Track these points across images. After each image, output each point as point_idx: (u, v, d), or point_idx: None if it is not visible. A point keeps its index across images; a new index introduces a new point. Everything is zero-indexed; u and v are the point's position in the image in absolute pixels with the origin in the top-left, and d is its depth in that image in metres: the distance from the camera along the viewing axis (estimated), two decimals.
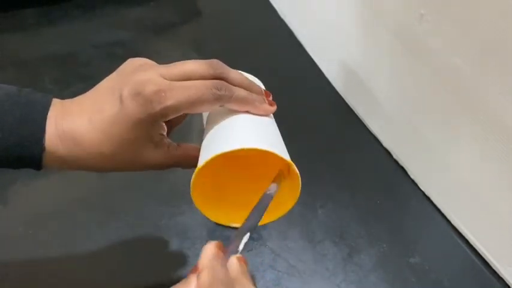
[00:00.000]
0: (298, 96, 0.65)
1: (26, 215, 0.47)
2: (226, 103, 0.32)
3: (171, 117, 0.31)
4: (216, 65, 0.32)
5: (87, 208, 0.48)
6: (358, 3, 0.56)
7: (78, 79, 0.63)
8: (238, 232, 0.28)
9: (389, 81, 0.54)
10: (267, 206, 0.30)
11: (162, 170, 0.34)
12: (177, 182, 0.50)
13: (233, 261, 0.27)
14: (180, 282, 0.25)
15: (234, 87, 0.32)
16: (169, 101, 0.29)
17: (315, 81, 0.67)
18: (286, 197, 0.33)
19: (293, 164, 0.30)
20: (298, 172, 0.30)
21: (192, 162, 0.33)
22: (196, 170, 0.30)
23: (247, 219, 0.29)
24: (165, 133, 0.33)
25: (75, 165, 0.32)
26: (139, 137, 0.31)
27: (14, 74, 0.64)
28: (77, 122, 0.31)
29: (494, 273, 0.45)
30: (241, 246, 0.28)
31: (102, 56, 0.67)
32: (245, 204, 0.32)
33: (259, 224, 0.31)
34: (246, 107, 0.33)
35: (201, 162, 0.30)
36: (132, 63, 0.32)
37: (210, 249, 0.26)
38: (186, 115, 0.35)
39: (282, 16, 0.79)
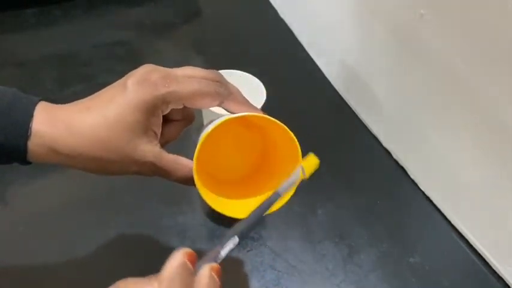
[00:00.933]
0: (298, 96, 0.64)
1: (26, 215, 0.47)
2: (225, 100, 0.34)
3: (172, 105, 0.32)
4: (217, 72, 0.35)
5: (87, 208, 0.48)
6: (358, 3, 0.56)
7: (78, 79, 0.63)
8: (227, 234, 0.25)
9: (390, 81, 0.54)
10: (268, 206, 0.29)
11: (149, 175, 0.33)
12: None
13: (203, 273, 0.24)
14: (144, 278, 0.23)
15: (233, 89, 0.35)
16: (174, 87, 0.31)
17: (315, 81, 0.67)
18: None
19: (296, 140, 0.32)
20: (296, 142, 0.32)
21: (180, 173, 0.33)
22: (201, 140, 0.31)
23: (241, 221, 0.26)
24: (159, 133, 0.33)
25: (65, 156, 0.31)
26: (138, 122, 0.31)
27: (13, 74, 0.64)
28: (73, 109, 0.31)
29: (494, 273, 0.45)
30: (223, 252, 0.24)
31: (102, 56, 0.67)
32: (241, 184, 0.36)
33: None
34: (243, 107, 0.35)
35: (200, 141, 0.32)
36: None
37: (176, 259, 0.24)
38: (180, 129, 0.36)
39: (282, 16, 0.79)
